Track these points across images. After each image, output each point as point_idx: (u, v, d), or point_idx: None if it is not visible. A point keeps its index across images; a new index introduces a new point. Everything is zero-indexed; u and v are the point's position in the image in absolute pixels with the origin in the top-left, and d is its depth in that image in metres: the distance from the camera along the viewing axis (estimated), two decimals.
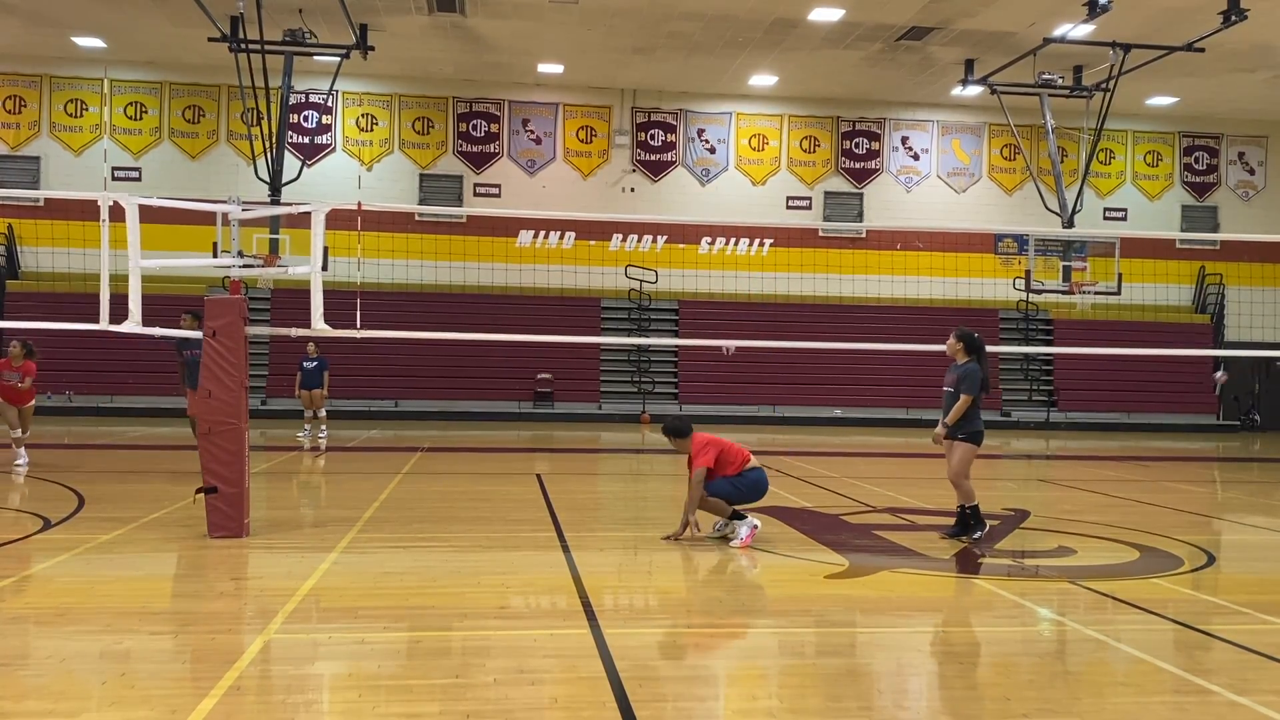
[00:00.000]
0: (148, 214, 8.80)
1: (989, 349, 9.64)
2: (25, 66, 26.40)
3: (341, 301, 10.02)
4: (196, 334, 10.30)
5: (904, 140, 29.27)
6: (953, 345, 9.17)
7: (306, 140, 26.68)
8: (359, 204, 9.60)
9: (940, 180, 29.36)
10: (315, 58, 23.19)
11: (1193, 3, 20.09)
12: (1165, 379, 28.22)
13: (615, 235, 25.79)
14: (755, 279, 26.92)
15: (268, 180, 20.90)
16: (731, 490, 8.84)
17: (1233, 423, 28.16)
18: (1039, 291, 24.90)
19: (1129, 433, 25.69)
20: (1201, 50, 20.25)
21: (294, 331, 9.47)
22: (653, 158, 28.50)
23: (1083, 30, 20.76)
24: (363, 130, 27.72)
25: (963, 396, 8.77)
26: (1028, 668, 5.46)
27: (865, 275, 27.56)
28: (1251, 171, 30.37)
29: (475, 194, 27.83)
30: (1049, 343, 28.21)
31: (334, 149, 27.56)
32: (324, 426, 18.26)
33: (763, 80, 27.08)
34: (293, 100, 22.99)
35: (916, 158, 29.29)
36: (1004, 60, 22.86)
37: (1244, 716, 4.67)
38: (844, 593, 7.10)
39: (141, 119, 26.98)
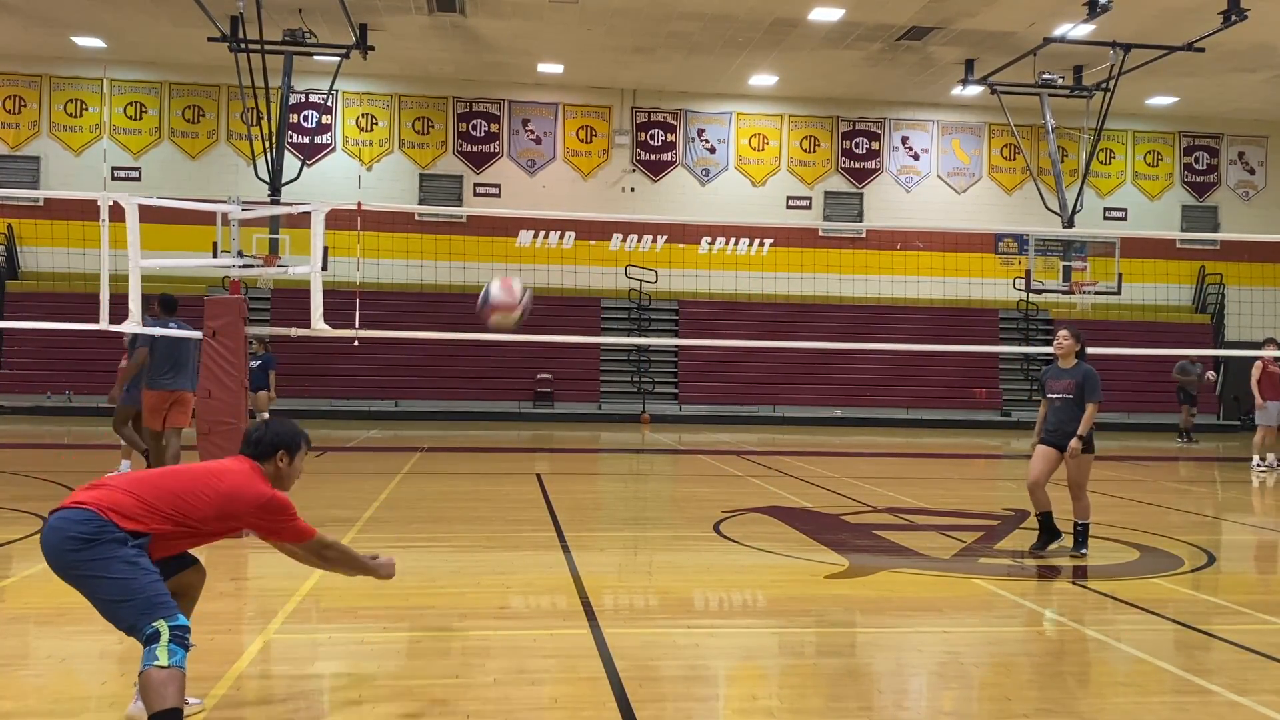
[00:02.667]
0: (147, 214, 8.80)
1: (988, 349, 9.47)
2: (25, 66, 26.39)
3: (341, 301, 10.02)
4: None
5: (904, 140, 29.26)
6: (1068, 345, 8.37)
7: (306, 140, 26.67)
8: (359, 204, 9.61)
9: (940, 180, 29.35)
10: (315, 58, 23.18)
11: (1193, 3, 20.08)
12: (1165, 379, 28.18)
13: (615, 235, 25.79)
14: (755, 279, 26.91)
15: (268, 180, 20.89)
16: None
17: (1233, 423, 28.14)
18: (1039, 291, 24.88)
19: (1129, 433, 25.67)
20: (1201, 50, 20.24)
21: (294, 331, 9.47)
22: (653, 158, 28.50)
23: (1083, 30, 20.76)
24: (363, 130, 27.72)
25: (1091, 406, 8.11)
26: (1028, 668, 5.45)
27: (865, 275, 27.56)
28: (1251, 171, 30.37)
29: (475, 194, 27.82)
30: (1049, 343, 28.11)
31: (334, 149, 27.56)
32: None
33: (763, 80, 27.07)
34: (293, 100, 22.97)
35: (916, 158, 29.29)
36: (1004, 60, 22.85)
37: (1244, 716, 4.67)
38: (844, 593, 7.09)
39: (141, 119, 26.98)
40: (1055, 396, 8.38)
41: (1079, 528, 8.38)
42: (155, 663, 3.84)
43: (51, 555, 4.06)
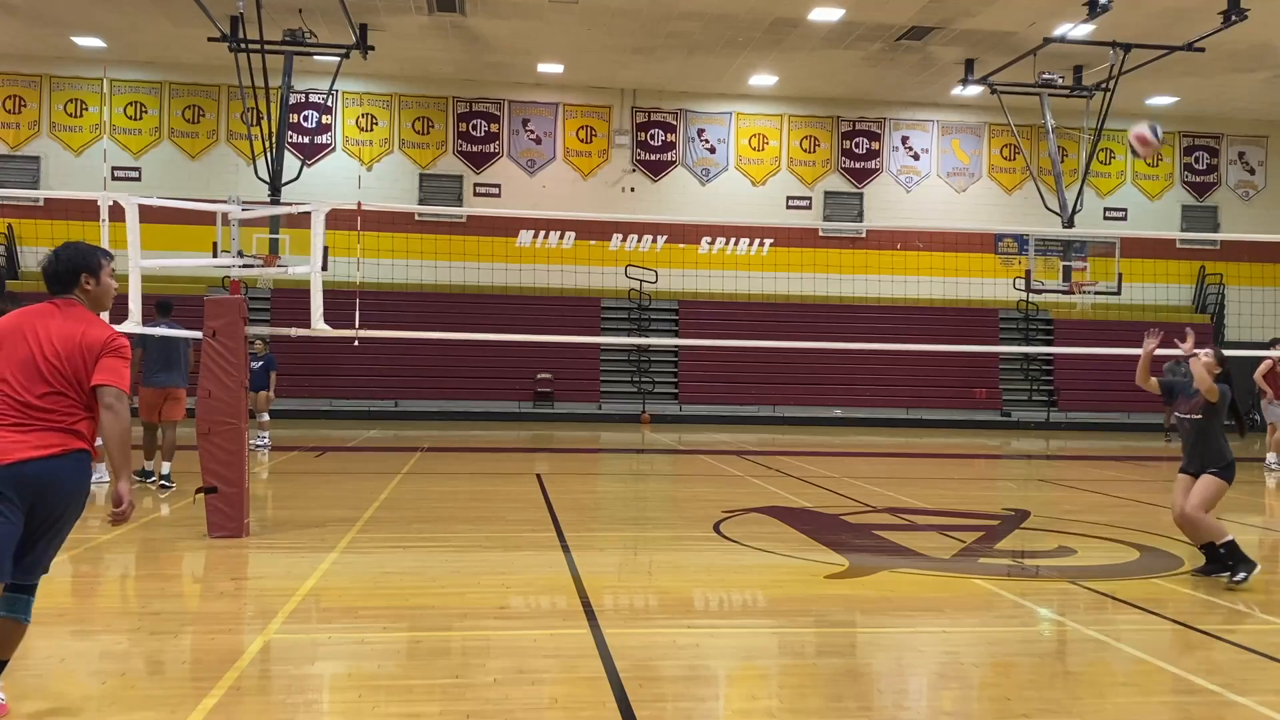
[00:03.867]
0: (147, 214, 8.81)
1: (988, 349, 9.34)
2: (25, 66, 26.39)
3: (341, 301, 10.03)
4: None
5: (904, 140, 29.27)
6: (1210, 365, 7.67)
7: (306, 140, 26.67)
8: (359, 204, 9.61)
9: (940, 180, 29.36)
10: (315, 58, 23.20)
11: (1193, 3, 20.09)
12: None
13: (615, 235, 25.80)
14: (755, 279, 26.91)
15: (268, 180, 20.90)
16: None
17: (1231, 422, 28.14)
18: (1039, 291, 24.91)
19: (1129, 433, 25.68)
20: (1201, 50, 20.26)
21: (294, 331, 9.47)
22: (653, 158, 28.50)
23: (1083, 30, 20.77)
24: (363, 130, 27.72)
25: (1208, 391, 7.57)
26: (1028, 668, 5.45)
27: (865, 275, 27.53)
28: (1251, 171, 30.37)
29: (475, 194, 27.83)
30: (1049, 343, 28.19)
31: (334, 149, 27.56)
32: (265, 434, 16.27)
33: (763, 80, 27.07)
34: (293, 100, 22.99)
35: (916, 157, 29.29)
36: (1004, 60, 22.87)
37: (1244, 716, 4.67)
38: (844, 593, 7.09)
39: (141, 119, 26.98)
40: (1184, 416, 7.71)
41: (1223, 552, 7.34)
42: (28, 620, 4.29)
43: (65, 497, 4.17)
